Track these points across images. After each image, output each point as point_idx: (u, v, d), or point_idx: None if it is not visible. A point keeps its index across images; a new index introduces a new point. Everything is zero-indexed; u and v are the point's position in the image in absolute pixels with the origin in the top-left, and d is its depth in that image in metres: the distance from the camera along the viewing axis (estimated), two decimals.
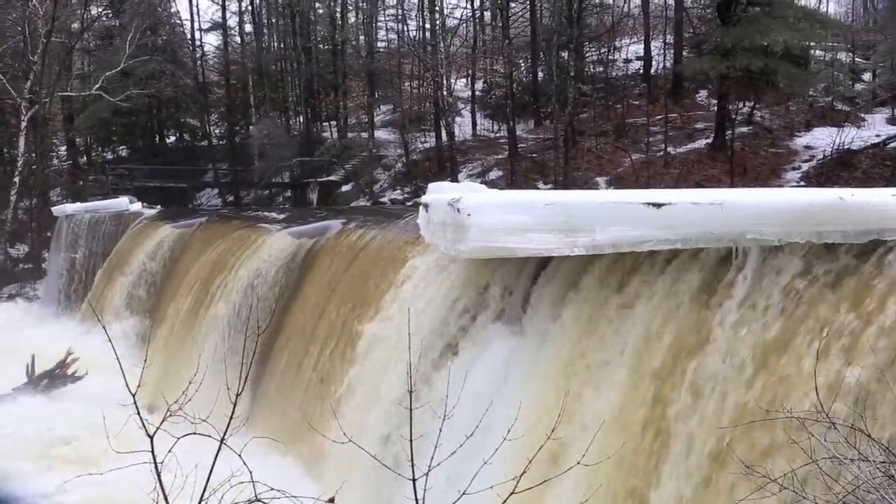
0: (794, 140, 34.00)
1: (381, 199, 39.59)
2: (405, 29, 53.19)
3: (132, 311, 25.85)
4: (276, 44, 55.22)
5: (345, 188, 42.48)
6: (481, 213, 9.55)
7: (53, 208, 38.83)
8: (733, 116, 33.64)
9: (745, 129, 34.56)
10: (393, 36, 55.04)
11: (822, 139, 32.57)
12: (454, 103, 42.51)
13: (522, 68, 45.47)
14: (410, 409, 4.91)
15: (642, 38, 45.22)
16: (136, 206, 33.92)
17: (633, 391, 8.46)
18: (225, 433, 4.76)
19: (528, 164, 37.34)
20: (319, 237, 18.52)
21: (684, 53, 41.16)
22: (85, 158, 53.31)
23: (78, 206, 37.04)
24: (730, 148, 31.67)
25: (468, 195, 10.27)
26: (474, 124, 45.51)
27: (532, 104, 44.13)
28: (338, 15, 51.47)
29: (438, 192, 12.03)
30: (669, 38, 43.98)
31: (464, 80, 49.26)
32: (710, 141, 34.28)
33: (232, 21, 53.71)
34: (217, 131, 53.82)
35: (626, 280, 9.21)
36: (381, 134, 46.68)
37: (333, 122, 49.69)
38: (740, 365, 7.36)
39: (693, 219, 8.01)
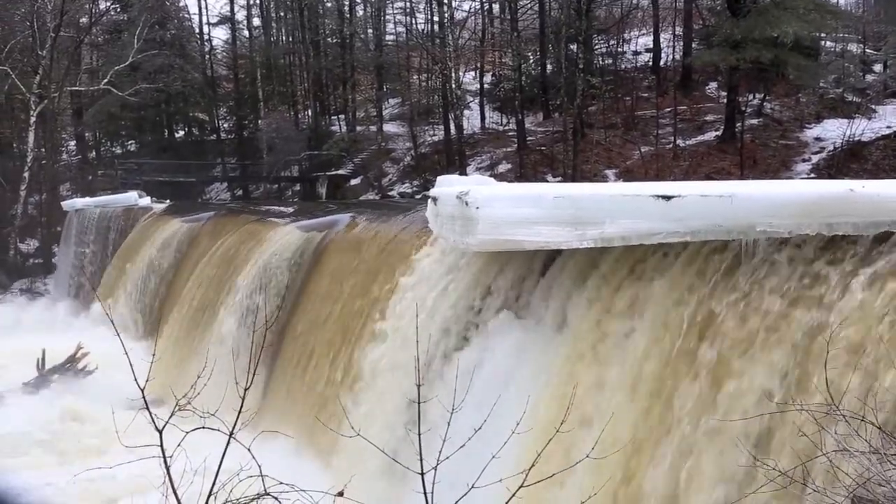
0: (805, 132, 33.88)
1: (390, 193, 39.61)
2: (413, 22, 53.16)
3: (142, 305, 25.93)
4: (284, 37, 55.31)
5: (354, 182, 42.51)
6: (490, 206, 9.53)
7: (63, 203, 38.96)
8: (743, 108, 33.55)
9: (754, 121, 34.47)
10: (401, 29, 55.05)
11: (833, 131, 32.44)
12: (463, 96, 42.44)
13: (531, 61, 45.38)
14: (419, 403, 4.91)
15: (651, 29, 45.09)
16: (146, 200, 33.94)
17: (644, 384, 8.44)
18: (234, 427, 4.77)
19: (536, 156, 37.30)
20: (328, 230, 18.50)
21: (694, 45, 41.02)
22: (94, 153, 53.55)
23: (87, 200, 37.14)
24: (739, 140, 31.59)
25: (477, 188, 10.25)
26: (483, 117, 45.46)
27: (541, 97, 44.06)
28: (346, 8, 51.53)
29: (447, 186, 12.01)
30: (679, 30, 43.84)
31: (472, 72, 49.19)
32: (719, 133, 34.18)
33: (240, 15, 53.90)
34: (226, 125, 53.96)
35: (635, 272, 9.20)
36: (389, 127, 46.68)
37: (342, 116, 49.75)
38: (752, 356, 7.34)
39: (702, 211, 7.98)
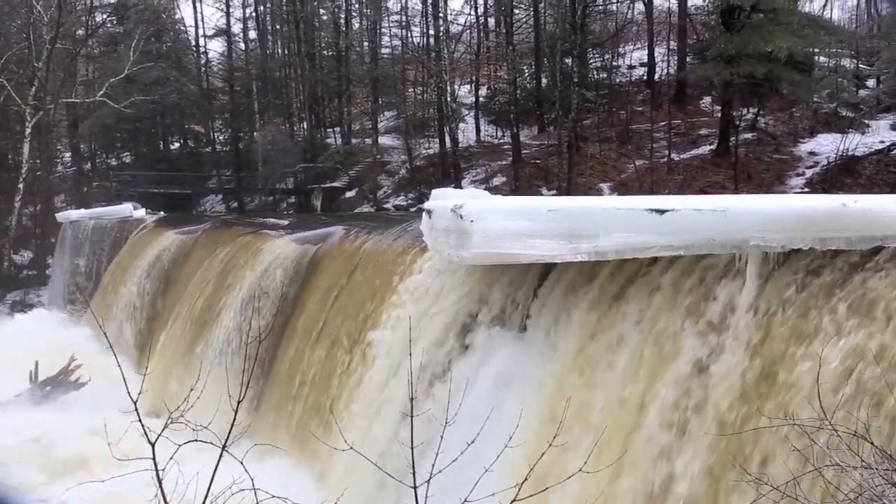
0: (798, 146, 33.96)
1: (385, 205, 39.60)
2: (409, 35, 53.33)
3: (135, 317, 25.85)
4: (280, 50, 55.37)
5: (349, 194, 42.53)
6: (484, 220, 9.53)
7: (57, 215, 38.90)
8: (737, 123, 33.61)
9: (748, 136, 34.52)
10: (397, 42, 55.18)
11: (827, 145, 32.51)
12: (458, 109, 42.53)
13: (526, 74, 45.49)
14: (412, 417, 4.91)
15: (646, 44, 45.22)
16: (140, 212, 33.92)
17: (636, 398, 8.44)
18: (226, 440, 4.76)
19: (531, 169, 37.34)
20: (323, 243, 18.48)
21: (688, 59, 41.14)
22: (89, 165, 53.39)
23: (82, 212, 37.09)
24: (733, 154, 31.64)
25: (471, 201, 10.24)
26: (478, 130, 45.55)
27: (536, 110, 44.14)
28: (342, 21, 51.65)
29: (441, 199, 11.99)
30: (673, 45, 43.98)
31: (467, 86, 49.31)
32: (713, 147, 34.24)
33: (236, 27, 53.87)
34: (221, 137, 53.90)
35: (629, 286, 9.20)
36: (384, 140, 46.70)
37: (337, 128, 49.80)
38: (743, 371, 7.34)
39: (696, 225, 7.99)
